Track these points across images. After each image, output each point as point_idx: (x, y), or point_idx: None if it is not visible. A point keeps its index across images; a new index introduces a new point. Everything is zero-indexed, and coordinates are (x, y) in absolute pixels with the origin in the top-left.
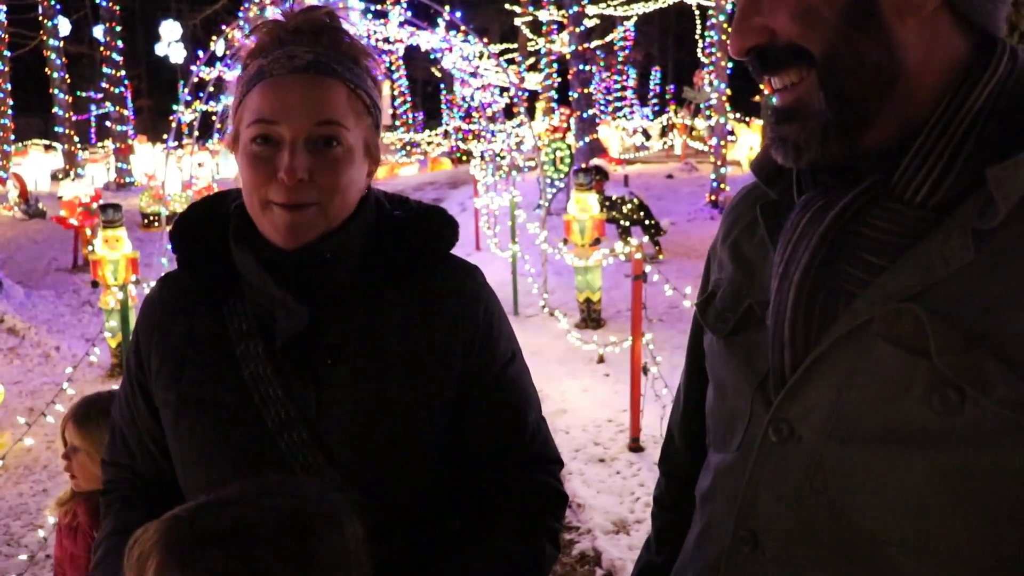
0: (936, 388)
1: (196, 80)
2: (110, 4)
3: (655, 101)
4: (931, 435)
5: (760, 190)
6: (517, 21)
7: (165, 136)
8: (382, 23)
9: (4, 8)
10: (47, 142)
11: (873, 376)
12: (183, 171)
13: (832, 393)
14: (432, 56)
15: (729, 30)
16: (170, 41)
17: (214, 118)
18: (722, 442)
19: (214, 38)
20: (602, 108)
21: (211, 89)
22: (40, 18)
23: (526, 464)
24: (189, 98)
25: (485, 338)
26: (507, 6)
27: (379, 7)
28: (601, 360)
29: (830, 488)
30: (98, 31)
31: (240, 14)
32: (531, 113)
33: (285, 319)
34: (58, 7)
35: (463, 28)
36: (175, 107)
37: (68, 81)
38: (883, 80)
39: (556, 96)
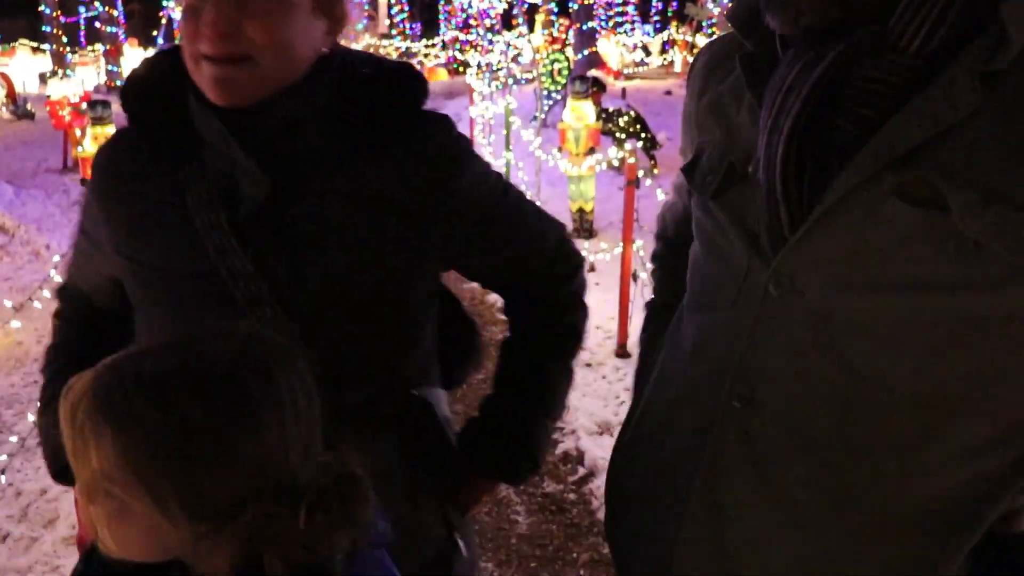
0: (952, 237)
1: None
2: None
3: (656, 17)
4: (946, 282)
5: (732, 45)
6: None
7: (155, 33)
8: None
9: None
10: (35, 44)
11: (885, 228)
12: None
13: (840, 246)
14: None
15: None
16: None
17: None
18: (711, 301)
19: None
20: (602, 22)
21: None
22: None
23: (556, 280)
24: None
25: (472, 187)
26: None
27: None
28: (592, 269)
29: (835, 340)
30: None
31: None
32: (530, 25)
33: (249, 187)
34: None
35: None
36: (165, 3)
37: None
38: None
39: (556, 8)
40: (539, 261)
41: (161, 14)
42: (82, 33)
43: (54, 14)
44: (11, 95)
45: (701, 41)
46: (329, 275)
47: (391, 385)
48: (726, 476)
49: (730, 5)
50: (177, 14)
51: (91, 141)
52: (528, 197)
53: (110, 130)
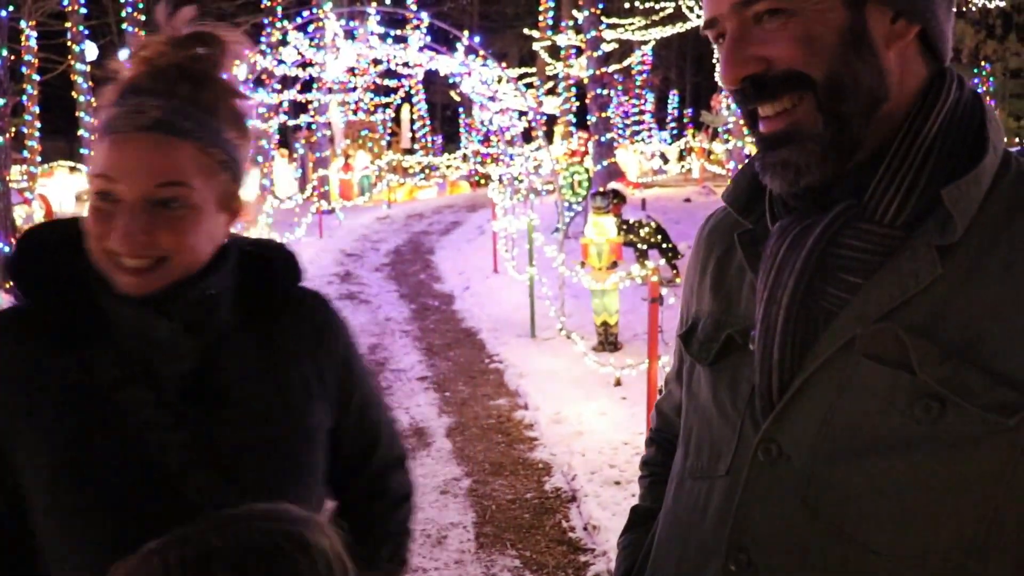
0: (919, 399)
1: None
2: (135, 30)
3: (673, 125)
4: (916, 444)
5: (731, 219)
6: (536, 46)
7: None
8: (402, 48)
9: (35, 34)
10: (72, 164)
11: (858, 392)
12: None
13: (820, 412)
14: (451, 80)
15: None
16: None
17: None
18: (707, 468)
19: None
20: (620, 132)
21: None
22: (68, 43)
23: (392, 466)
24: None
25: (348, 363)
26: (526, 31)
27: (399, 32)
28: (618, 383)
29: (822, 504)
30: (124, 55)
31: (261, 39)
32: (549, 137)
33: (169, 362)
34: (86, 32)
35: (482, 53)
36: None
37: (94, 104)
38: (873, 103)
39: (574, 120)
40: (389, 430)
41: None
42: None
43: (91, 137)
44: (48, 215)
45: (718, 148)
46: (254, 434)
47: None
48: None
49: (728, 188)
50: None
51: None
52: (552, 312)
53: None
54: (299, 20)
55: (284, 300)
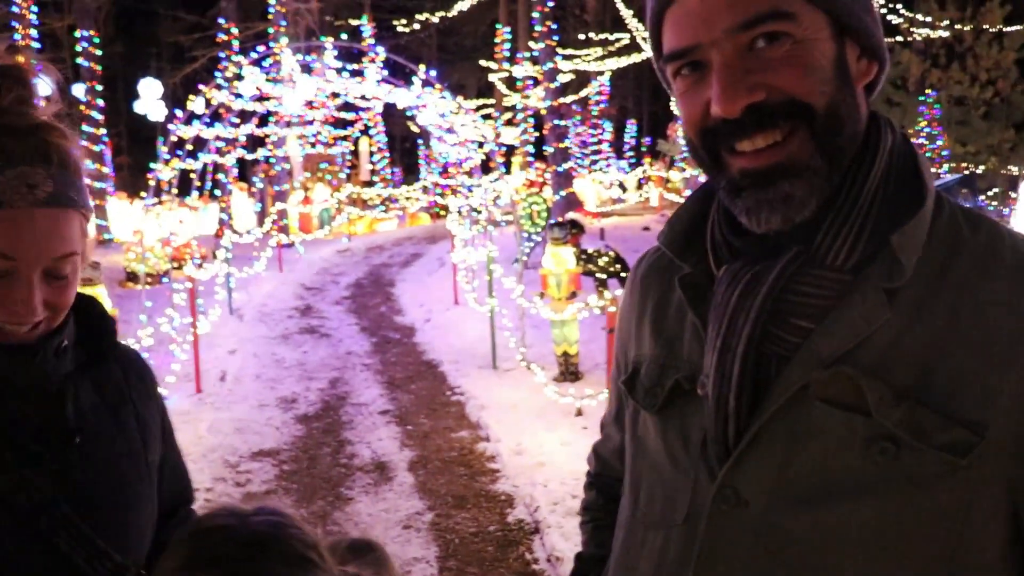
0: (875, 441)
1: (175, 139)
2: (91, 65)
3: (631, 154)
4: (873, 485)
5: (665, 261)
6: (492, 77)
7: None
8: (358, 81)
9: None
10: None
11: (814, 437)
12: (162, 228)
13: (777, 458)
14: (408, 113)
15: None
16: (150, 99)
17: (193, 175)
18: (662, 516)
19: (191, 97)
20: (578, 161)
21: (189, 147)
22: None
23: (189, 500)
24: (168, 156)
25: (163, 407)
26: (482, 63)
27: (355, 65)
28: (579, 413)
29: (784, 549)
30: (78, 90)
31: (218, 73)
32: (508, 167)
33: (27, 405)
34: (39, 67)
35: (438, 86)
36: (152, 165)
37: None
38: (854, 139)
39: (533, 150)
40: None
41: (149, 176)
42: None
43: None
44: None
45: (675, 176)
46: (104, 471)
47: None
48: None
49: (665, 231)
50: (166, 175)
51: None
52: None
53: (99, 291)
54: (255, 55)
55: (112, 350)
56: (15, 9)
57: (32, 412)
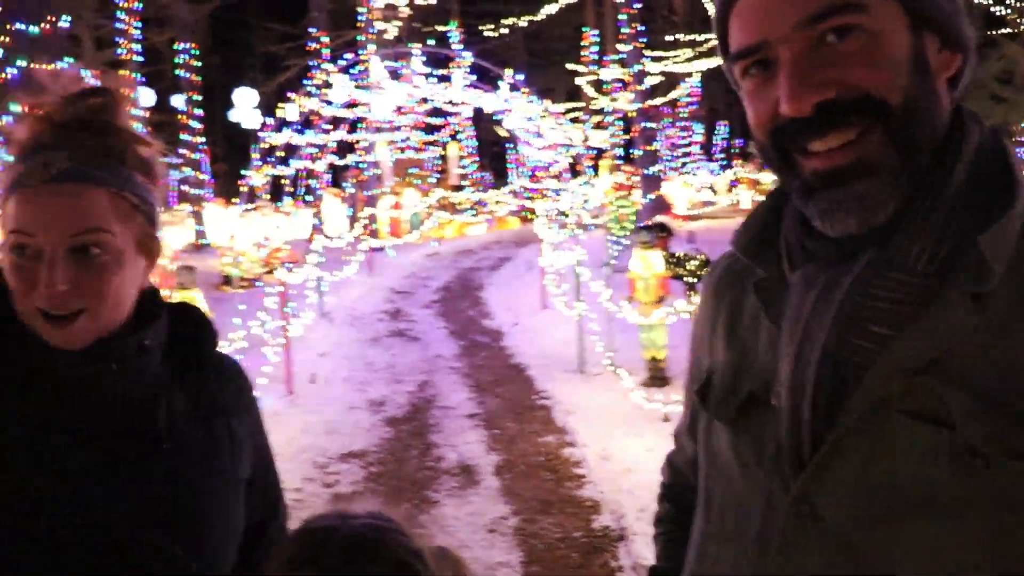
0: (960, 456)
1: (266, 146)
2: (190, 76)
3: (721, 156)
4: (960, 502)
5: (740, 266)
6: (579, 80)
7: (235, 200)
8: (445, 86)
9: (98, 83)
10: None
11: (895, 450)
12: (255, 232)
13: (855, 472)
14: (496, 117)
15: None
16: (244, 107)
17: (285, 181)
18: (734, 532)
19: (281, 105)
20: (668, 164)
21: (281, 154)
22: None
23: (278, 517)
24: (259, 162)
25: (259, 424)
26: (569, 66)
27: (443, 71)
28: (666, 419)
29: (862, 567)
30: (177, 100)
31: (308, 81)
32: (596, 171)
33: (106, 409)
34: (142, 80)
35: (524, 89)
36: (243, 171)
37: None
38: (935, 135)
39: (622, 153)
40: (281, 492)
41: (240, 182)
42: (174, 195)
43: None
44: None
45: (766, 178)
46: (187, 483)
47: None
48: None
49: (738, 234)
50: (258, 181)
51: None
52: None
53: (194, 294)
54: (343, 62)
55: (209, 359)
56: (120, 25)
57: (117, 418)
